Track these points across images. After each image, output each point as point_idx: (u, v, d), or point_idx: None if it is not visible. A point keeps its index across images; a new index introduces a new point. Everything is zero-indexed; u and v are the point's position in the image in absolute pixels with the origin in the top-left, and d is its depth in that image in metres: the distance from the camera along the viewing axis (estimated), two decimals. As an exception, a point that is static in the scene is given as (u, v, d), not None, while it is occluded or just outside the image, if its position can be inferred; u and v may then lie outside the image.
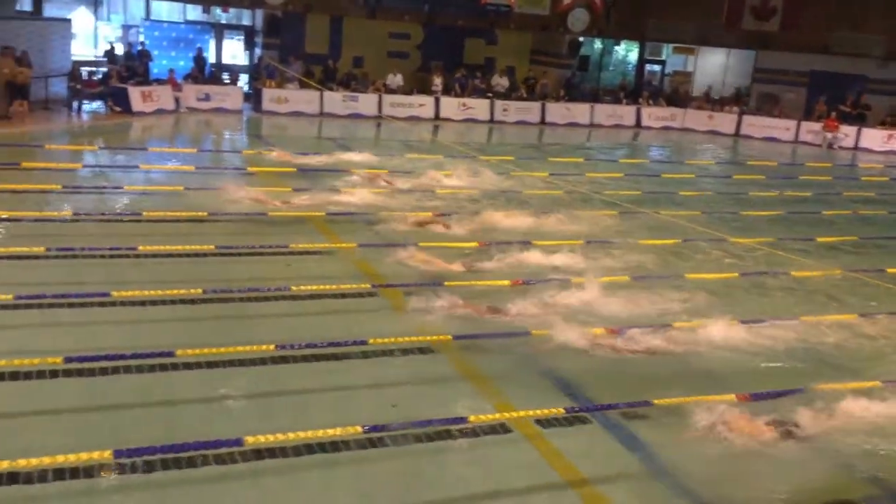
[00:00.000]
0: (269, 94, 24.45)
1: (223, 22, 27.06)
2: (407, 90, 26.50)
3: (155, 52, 24.56)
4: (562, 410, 6.65)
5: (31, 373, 6.66)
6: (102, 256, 9.80)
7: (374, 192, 14.06)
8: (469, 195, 14.63)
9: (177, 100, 23.15)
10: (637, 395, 6.95)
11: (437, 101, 26.40)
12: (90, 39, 25.45)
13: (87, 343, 7.30)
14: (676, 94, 30.19)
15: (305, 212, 12.61)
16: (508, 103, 27.13)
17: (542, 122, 27.44)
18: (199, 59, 24.60)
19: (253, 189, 13.44)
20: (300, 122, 24.01)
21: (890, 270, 11.75)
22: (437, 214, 12.74)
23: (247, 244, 10.65)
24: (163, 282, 8.95)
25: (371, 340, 7.70)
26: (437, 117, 26.19)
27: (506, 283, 9.66)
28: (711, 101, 29.49)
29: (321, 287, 9.19)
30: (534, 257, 10.84)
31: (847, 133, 26.51)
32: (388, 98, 25.80)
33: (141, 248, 10.00)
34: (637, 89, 30.24)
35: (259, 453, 5.74)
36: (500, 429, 6.48)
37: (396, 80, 26.38)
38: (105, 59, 23.57)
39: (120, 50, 24.47)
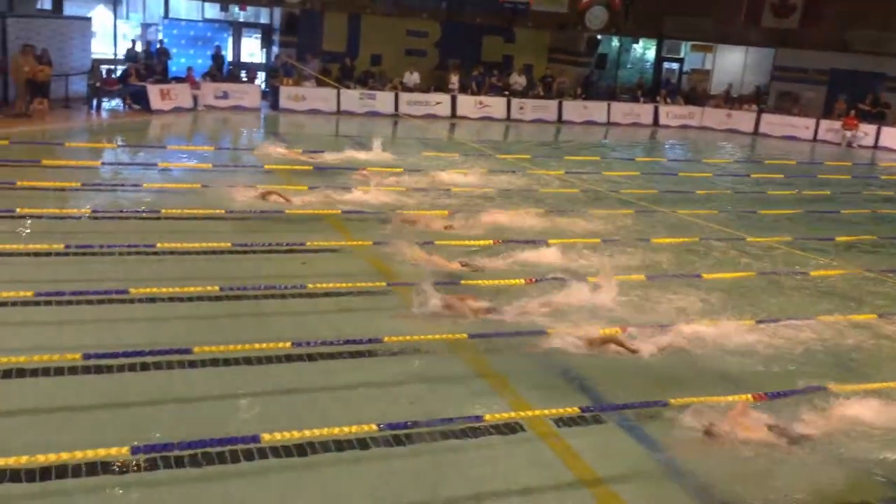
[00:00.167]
0: (286, 92, 24.54)
1: (241, 20, 27.19)
2: (424, 88, 26.51)
3: (173, 51, 24.74)
4: (577, 410, 6.64)
5: (51, 369, 6.73)
6: (121, 254, 9.89)
7: (390, 190, 14.09)
8: (484, 193, 14.63)
9: (195, 98, 23.29)
10: (652, 395, 6.93)
11: (453, 99, 26.42)
12: (109, 38, 25.62)
13: (105, 340, 7.37)
14: (694, 93, 30.05)
15: (320, 209, 12.65)
16: (525, 101, 27.10)
17: (559, 120, 27.39)
18: (217, 58, 24.75)
19: (268, 187, 13.49)
20: (317, 119, 24.08)
21: (909, 270, 11.67)
22: (451, 213, 12.75)
23: (262, 241, 10.71)
24: (180, 279, 9.01)
25: (386, 338, 7.71)
26: (453, 115, 26.20)
27: (520, 281, 9.66)
28: (730, 100, 29.32)
29: (337, 285, 9.23)
30: (549, 256, 10.81)
31: (867, 131, 26.31)
32: (404, 96, 25.84)
33: (159, 245, 10.07)
34: (655, 87, 30.13)
35: (275, 450, 5.77)
36: (516, 427, 6.48)
37: (413, 78, 26.40)
38: (128, 58, 23.70)
39: (140, 48, 24.62)
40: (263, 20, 27.52)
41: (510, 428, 6.46)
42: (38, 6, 22.87)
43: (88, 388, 6.59)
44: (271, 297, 8.88)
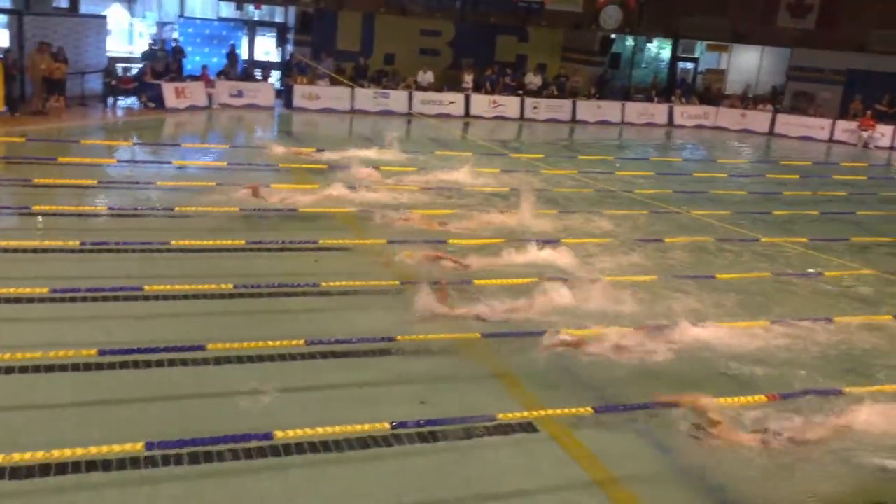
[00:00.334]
0: (300, 91, 24.60)
1: (256, 19, 27.29)
2: (437, 87, 26.52)
3: (188, 49, 24.83)
4: (590, 410, 6.62)
5: (66, 365, 6.77)
6: (135, 251, 9.94)
7: (402, 189, 14.10)
8: (497, 192, 14.61)
9: (209, 96, 23.39)
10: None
11: (467, 98, 26.40)
12: (125, 36, 25.75)
13: (120, 336, 7.42)
14: (709, 92, 29.90)
15: (333, 207, 12.68)
16: (539, 101, 27.05)
17: (573, 119, 27.32)
18: (232, 56, 24.83)
19: (282, 185, 13.53)
20: (331, 118, 24.13)
21: (926, 272, 11.58)
22: (464, 211, 12.76)
23: (276, 239, 10.74)
24: (194, 276, 9.06)
25: (399, 337, 7.72)
26: (467, 115, 26.19)
27: (533, 280, 9.63)
28: (745, 100, 29.17)
29: (349, 283, 9.24)
30: (562, 255, 10.78)
31: (883, 132, 26.11)
32: (418, 95, 25.84)
33: (173, 242, 10.12)
34: (669, 87, 30.01)
35: (288, 448, 5.79)
36: (528, 427, 6.47)
37: (427, 77, 26.41)
38: (146, 57, 23.80)
39: (156, 47, 24.77)
40: (278, 19, 27.62)
41: (523, 427, 6.46)
42: (55, 4, 23.02)
43: (103, 385, 6.63)
44: (285, 295, 8.90)
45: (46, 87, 19.39)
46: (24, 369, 6.65)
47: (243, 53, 26.49)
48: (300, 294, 8.95)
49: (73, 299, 8.19)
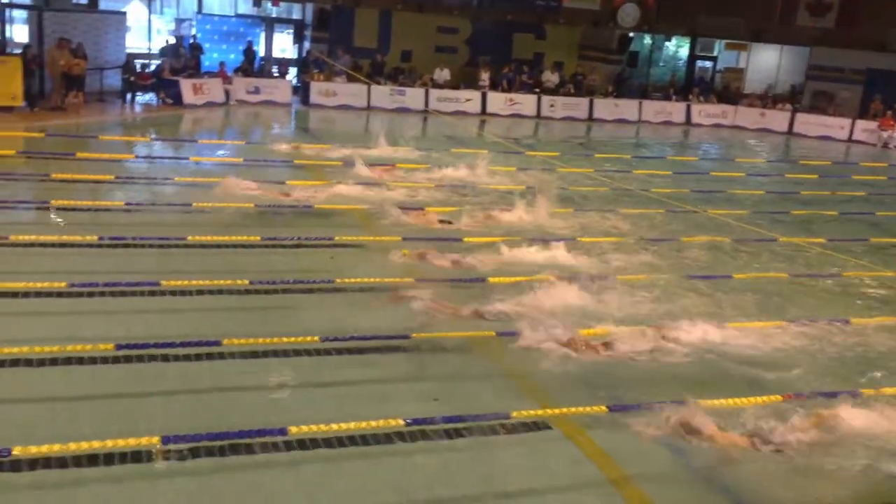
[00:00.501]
0: (317, 88, 24.66)
1: (273, 16, 27.36)
2: (454, 85, 26.50)
3: (206, 45, 24.94)
4: (604, 409, 6.61)
5: (84, 359, 6.82)
6: (152, 246, 10.00)
7: (418, 186, 14.10)
8: (513, 190, 14.57)
9: (227, 92, 23.48)
10: (681, 396, 6.86)
11: (483, 96, 26.37)
12: (143, 32, 25.90)
13: (137, 331, 7.47)
14: (728, 91, 29.72)
15: (349, 205, 12.69)
16: (555, 99, 26.99)
17: (590, 118, 27.24)
18: (250, 53, 24.93)
19: (297, 182, 13.57)
20: (347, 115, 24.17)
21: (945, 274, 11.46)
22: (479, 209, 12.75)
23: (291, 236, 10.77)
24: (210, 272, 9.10)
25: (414, 335, 7.73)
26: (483, 112, 26.16)
27: (549, 278, 9.60)
28: (764, 99, 28.98)
29: (364, 280, 9.26)
30: (578, 254, 10.76)
31: (903, 133, 25.88)
32: (434, 92, 25.84)
33: (190, 238, 10.17)
34: (687, 86, 29.84)
35: (302, 443, 5.80)
36: (542, 426, 6.47)
37: (444, 74, 26.40)
38: (164, 54, 23.91)
39: (175, 42, 24.87)
40: (296, 16, 27.68)
41: (538, 426, 6.45)
42: (74, 0, 23.17)
43: (120, 379, 6.67)
44: (300, 291, 8.93)
45: (65, 83, 19.53)
46: (41, 363, 6.70)
47: (261, 50, 26.58)
48: (315, 290, 8.99)
49: (90, 294, 8.25)
